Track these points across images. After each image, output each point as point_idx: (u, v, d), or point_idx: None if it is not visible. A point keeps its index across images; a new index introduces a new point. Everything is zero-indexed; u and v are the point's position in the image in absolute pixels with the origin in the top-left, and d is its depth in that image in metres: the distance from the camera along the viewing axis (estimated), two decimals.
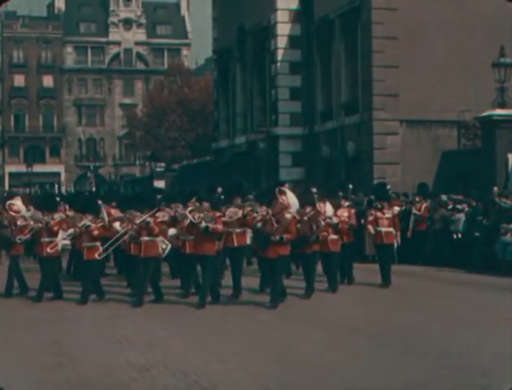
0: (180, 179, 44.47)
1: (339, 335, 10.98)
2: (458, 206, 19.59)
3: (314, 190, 16.25)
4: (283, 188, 13.45)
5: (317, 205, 14.26)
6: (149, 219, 13.50)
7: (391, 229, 16.05)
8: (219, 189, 16.42)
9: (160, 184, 41.48)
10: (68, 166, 79.37)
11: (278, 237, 12.75)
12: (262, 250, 13.30)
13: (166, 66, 74.64)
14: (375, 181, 27.06)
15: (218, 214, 13.51)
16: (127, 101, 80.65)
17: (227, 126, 38.50)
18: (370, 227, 16.27)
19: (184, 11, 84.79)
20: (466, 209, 19.39)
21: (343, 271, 16.24)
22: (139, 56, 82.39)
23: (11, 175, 75.77)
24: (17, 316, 12.90)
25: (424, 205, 20.23)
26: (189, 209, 13.89)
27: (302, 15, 32.58)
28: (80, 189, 53.00)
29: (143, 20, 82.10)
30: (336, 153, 30.31)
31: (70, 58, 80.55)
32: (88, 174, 72.32)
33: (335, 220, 14.91)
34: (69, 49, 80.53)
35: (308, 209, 14.18)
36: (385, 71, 27.49)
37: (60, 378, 8.75)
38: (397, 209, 18.08)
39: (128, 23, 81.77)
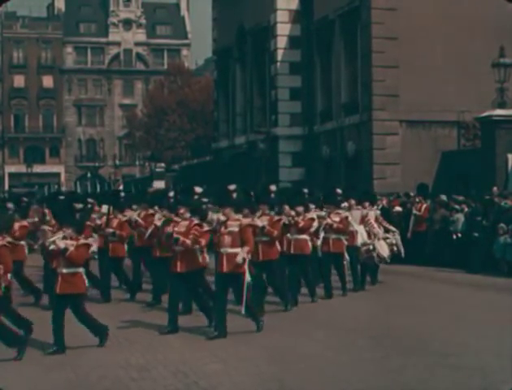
0: (179, 179, 44.48)
1: (339, 336, 10.98)
2: (457, 206, 19.60)
3: (252, 193, 15.36)
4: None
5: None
6: None
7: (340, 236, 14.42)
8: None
9: (160, 184, 41.48)
10: (68, 167, 79.36)
11: None
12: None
13: (166, 66, 74.66)
14: (375, 182, 27.17)
15: None
16: (127, 101, 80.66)
17: (226, 126, 38.50)
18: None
19: (183, 12, 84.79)
20: (466, 209, 19.41)
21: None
22: (139, 56, 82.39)
23: (11, 175, 75.77)
24: None
25: (424, 206, 20.23)
26: None
27: (302, 15, 32.57)
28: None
29: (143, 21, 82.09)
30: (336, 153, 30.30)
31: (70, 58, 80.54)
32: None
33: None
34: (69, 49, 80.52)
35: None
36: (385, 71, 27.48)
37: (60, 378, 8.76)
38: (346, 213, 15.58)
39: (127, 23, 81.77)
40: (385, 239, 15.86)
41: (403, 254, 16.32)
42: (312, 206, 15.20)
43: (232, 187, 11.69)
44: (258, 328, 11.10)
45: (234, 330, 11.31)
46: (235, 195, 11.22)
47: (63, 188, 65.33)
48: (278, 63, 32.74)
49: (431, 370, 8.87)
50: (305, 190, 15.35)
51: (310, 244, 13.92)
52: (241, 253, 10.81)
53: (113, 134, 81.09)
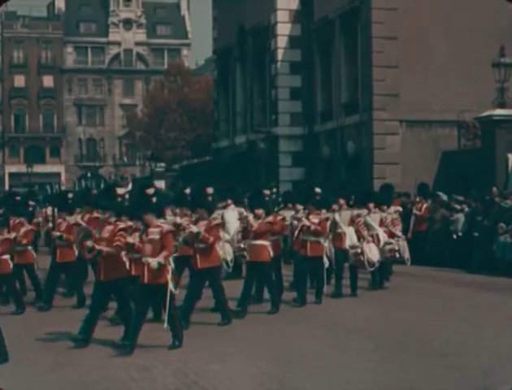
0: (180, 179, 44.47)
1: (339, 336, 10.99)
2: (457, 206, 19.59)
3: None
4: None
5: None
6: None
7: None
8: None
9: (160, 184, 41.47)
10: (68, 167, 79.40)
11: None
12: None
13: (166, 66, 74.68)
14: (375, 182, 27.16)
15: None
16: (127, 101, 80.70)
17: (227, 126, 38.51)
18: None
19: (184, 11, 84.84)
20: (466, 209, 19.41)
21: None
22: (139, 56, 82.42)
23: (11, 175, 75.81)
24: (17, 317, 12.91)
25: (425, 206, 20.24)
26: None
27: (302, 15, 32.57)
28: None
29: (143, 20, 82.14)
30: (336, 153, 30.31)
31: (70, 58, 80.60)
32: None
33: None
34: (69, 49, 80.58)
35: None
36: (385, 71, 27.47)
37: (60, 378, 8.76)
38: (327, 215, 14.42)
39: (128, 23, 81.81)
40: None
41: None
42: (300, 207, 14.71)
43: (151, 191, 10.57)
44: (172, 345, 10.10)
45: (234, 329, 11.32)
46: (155, 199, 10.43)
47: (63, 188, 65.34)
48: (278, 63, 32.74)
49: (431, 370, 8.87)
50: (267, 191, 14.69)
51: (269, 249, 12.76)
52: (157, 258, 9.92)
53: (113, 134, 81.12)
